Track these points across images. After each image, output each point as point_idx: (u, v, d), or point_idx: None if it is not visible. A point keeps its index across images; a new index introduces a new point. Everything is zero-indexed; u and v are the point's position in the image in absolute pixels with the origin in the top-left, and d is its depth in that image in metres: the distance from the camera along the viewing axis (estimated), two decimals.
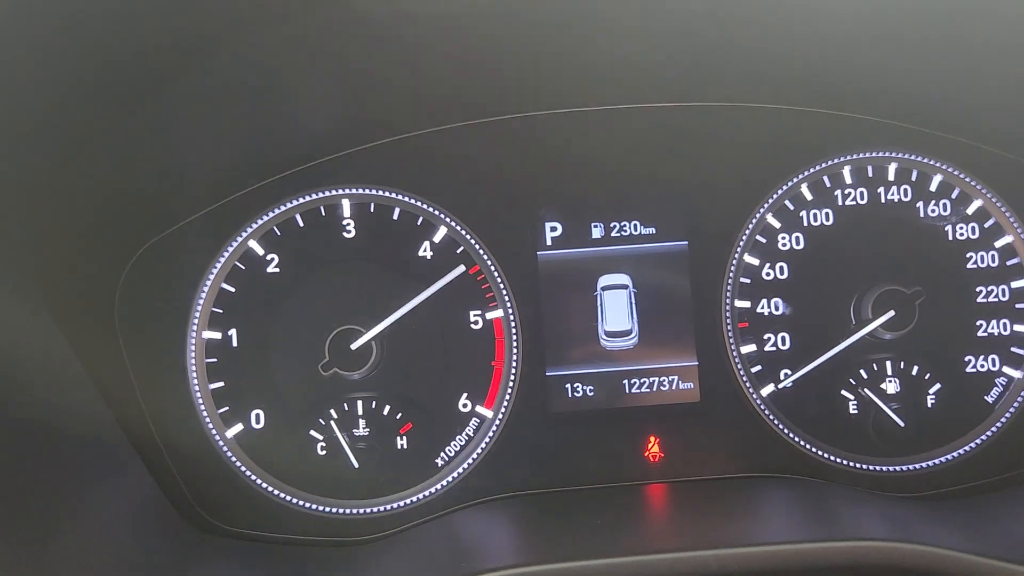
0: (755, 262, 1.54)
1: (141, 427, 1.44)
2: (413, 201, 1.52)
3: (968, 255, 1.54)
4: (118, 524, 1.28)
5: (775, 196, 1.54)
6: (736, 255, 1.53)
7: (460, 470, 1.51)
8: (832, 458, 1.52)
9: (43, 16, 0.89)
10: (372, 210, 1.53)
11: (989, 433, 1.53)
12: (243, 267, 1.51)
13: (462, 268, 1.52)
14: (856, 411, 1.53)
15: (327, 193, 1.52)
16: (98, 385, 1.36)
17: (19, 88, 0.99)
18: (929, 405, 1.53)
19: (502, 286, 1.52)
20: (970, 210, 1.55)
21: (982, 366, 1.54)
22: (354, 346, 1.48)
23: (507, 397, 1.52)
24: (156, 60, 1.08)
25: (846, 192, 1.55)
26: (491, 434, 1.52)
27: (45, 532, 1.12)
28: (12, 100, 1.00)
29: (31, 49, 0.94)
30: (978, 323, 1.54)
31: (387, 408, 1.51)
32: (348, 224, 1.52)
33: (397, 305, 1.51)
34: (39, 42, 0.94)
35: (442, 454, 1.52)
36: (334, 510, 1.50)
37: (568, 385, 1.53)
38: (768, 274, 1.54)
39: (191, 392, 1.49)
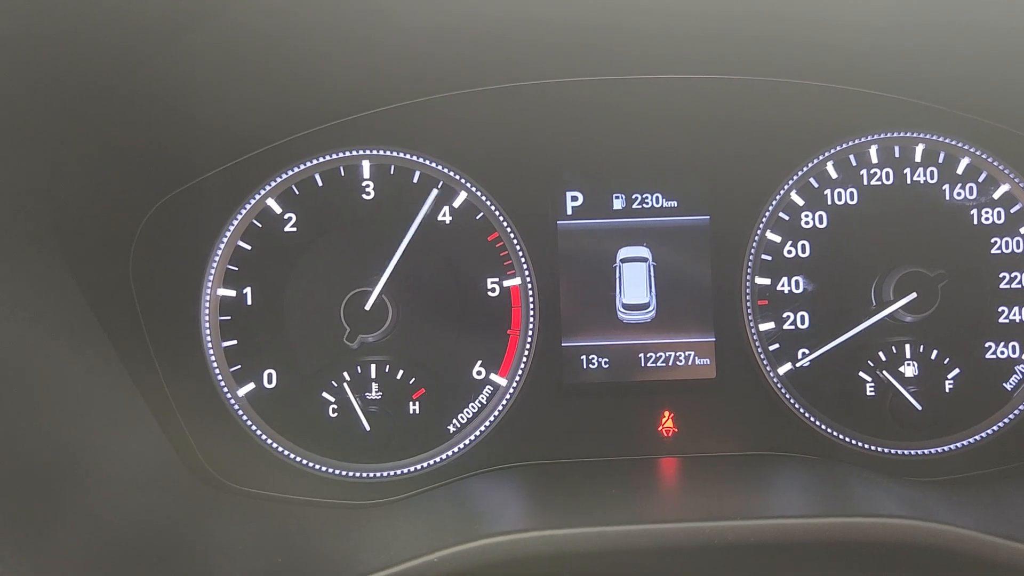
0: (777, 239, 1.52)
1: (153, 383, 1.44)
2: (434, 165, 1.50)
3: (993, 240, 1.53)
4: (129, 480, 1.27)
5: (800, 173, 1.52)
6: (758, 232, 1.52)
7: (472, 438, 1.50)
8: (847, 439, 1.51)
9: None
10: (392, 172, 1.51)
11: (1006, 420, 1.52)
12: (260, 225, 1.50)
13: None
14: (873, 393, 1.52)
15: (347, 153, 1.50)
16: (112, 340, 1.35)
17: (37, 37, 0.97)
18: (947, 390, 1.52)
19: (521, 254, 1.51)
20: (996, 195, 1.53)
21: (1002, 353, 1.52)
22: (367, 306, 1.47)
23: (522, 366, 1.50)
24: (175, 12, 1.06)
25: (872, 172, 1.53)
26: (504, 403, 1.51)
27: (57, 487, 1.12)
28: (30, 49, 0.99)
29: (45, 2, 0.92)
30: (1000, 309, 1.52)
31: (400, 372, 1.50)
32: (367, 186, 1.51)
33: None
34: None
35: (454, 421, 1.51)
36: (344, 473, 1.49)
37: (583, 357, 1.52)
38: (790, 252, 1.53)
39: (204, 349, 1.48)
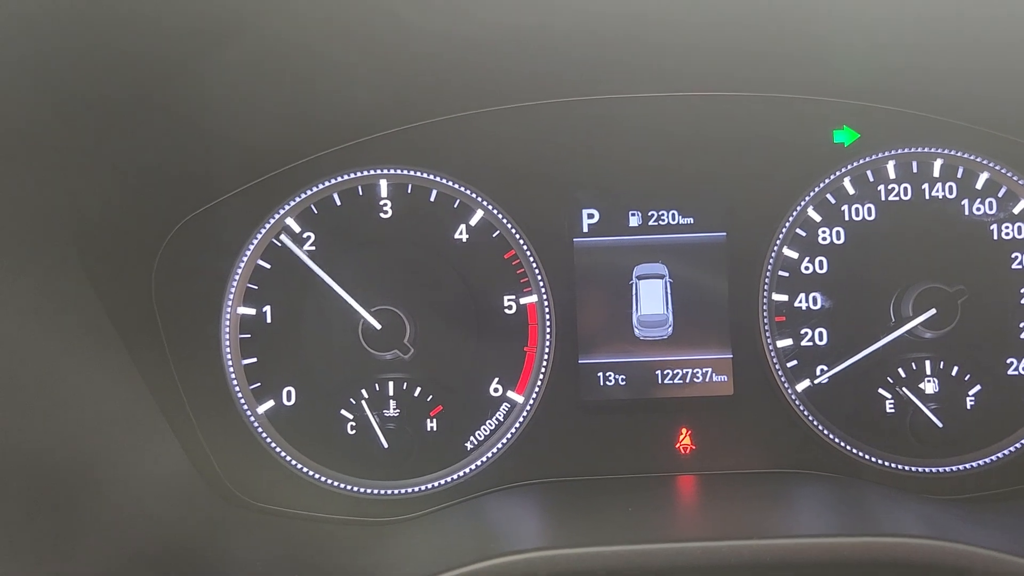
0: (794, 256, 1.52)
1: (174, 400, 1.45)
2: (451, 184, 1.52)
3: (1013, 255, 1.51)
4: (148, 495, 1.29)
5: (816, 189, 1.52)
6: (775, 248, 1.52)
7: (489, 455, 1.51)
8: (867, 457, 1.50)
9: None
10: (409, 191, 1.52)
11: None
12: (279, 244, 1.51)
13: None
14: (893, 410, 1.50)
15: (365, 173, 1.52)
16: (133, 357, 1.37)
17: (61, 57, 0.99)
18: (968, 407, 1.50)
19: (537, 272, 1.51)
20: (1016, 209, 1.52)
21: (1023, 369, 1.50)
22: (379, 326, 1.48)
23: (539, 383, 1.51)
24: (196, 33, 1.08)
25: (889, 187, 1.52)
26: (521, 420, 1.51)
27: (76, 502, 1.13)
28: (54, 69, 1.01)
29: (71, 21, 0.94)
30: (1021, 325, 1.51)
31: (418, 390, 1.50)
32: (385, 205, 1.52)
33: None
34: (78, 14, 0.94)
35: (472, 438, 1.51)
36: (362, 490, 1.50)
37: (600, 374, 1.52)
38: (807, 268, 1.52)
39: (224, 367, 1.49)
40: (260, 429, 1.50)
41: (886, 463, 1.50)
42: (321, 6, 1.10)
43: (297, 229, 1.51)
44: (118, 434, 1.29)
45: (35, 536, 1.03)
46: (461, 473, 1.50)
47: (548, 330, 1.51)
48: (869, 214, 1.52)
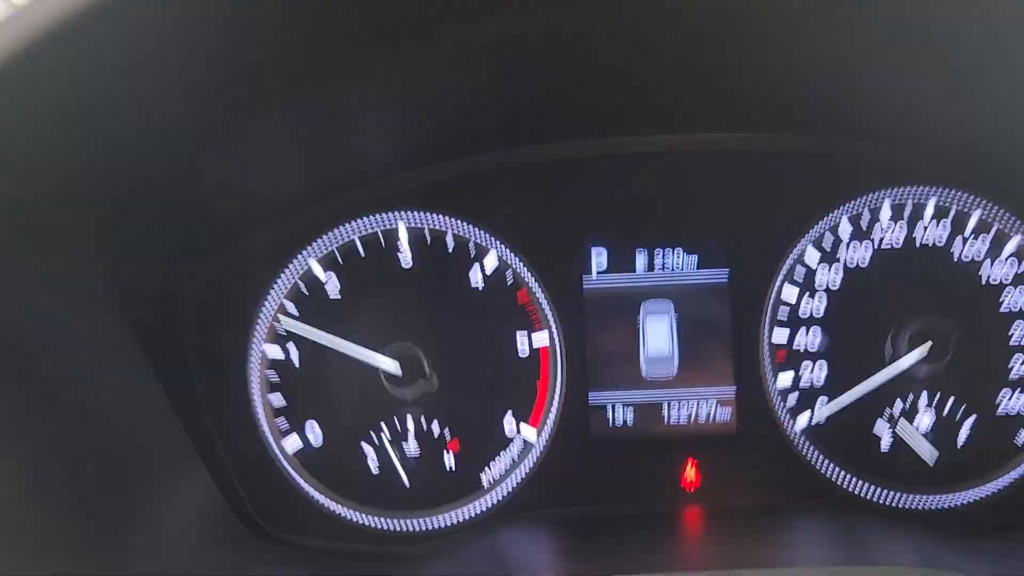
0: (794, 294, 1.56)
1: (206, 437, 1.50)
2: (463, 223, 1.55)
3: (1005, 294, 1.54)
4: (181, 528, 1.33)
5: (815, 229, 1.55)
6: (776, 286, 1.56)
7: (505, 490, 1.56)
8: (867, 489, 1.54)
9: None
10: (428, 242, 1.57)
11: (1018, 475, 1.53)
12: (304, 286, 1.56)
13: None
14: (891, 443, 1.55)
15: (383, 215, 1.55)
16: (168, 396, 1.42)
17: (92, 111, 1.01)
18: (963, 441, 1.54)
19: (548, 311, 1.56)
20: (1005, 253, 1.53)
21: (1012, 408, 1.54)
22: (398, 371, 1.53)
23: (551, 420, 1.56)
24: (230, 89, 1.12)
25: (885, 226, 1.55)
26: (534, 456, 1.56)
27: (103, 532, 1.16)
28: (82, 120, 1.03)
29: (114, 73, 0.97)
30: (1010, 365, 1.54)
31: (435, 425, 1.56)
32: (401, 246, 1.56)
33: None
34: (120, 67, 0.96)
35: (487, 472, 1.57)
36: (384, 524, 1.55)
37: (609, 411, 1.57)
38: (807, 305, 1.56)
39: (252, 406, 1.55)
40: (287, 465, 1.55)
41: (886, 496, 1.54)
42: (341, 55, 1.13)
43: (321, 274, 1.56)
44: (153, 471, 1.33)
45: (58, 567, 1.06)
46: (476, 507, 1.56)
47: (559, 368, 1.56)
48: (866, 250, 1.55)
